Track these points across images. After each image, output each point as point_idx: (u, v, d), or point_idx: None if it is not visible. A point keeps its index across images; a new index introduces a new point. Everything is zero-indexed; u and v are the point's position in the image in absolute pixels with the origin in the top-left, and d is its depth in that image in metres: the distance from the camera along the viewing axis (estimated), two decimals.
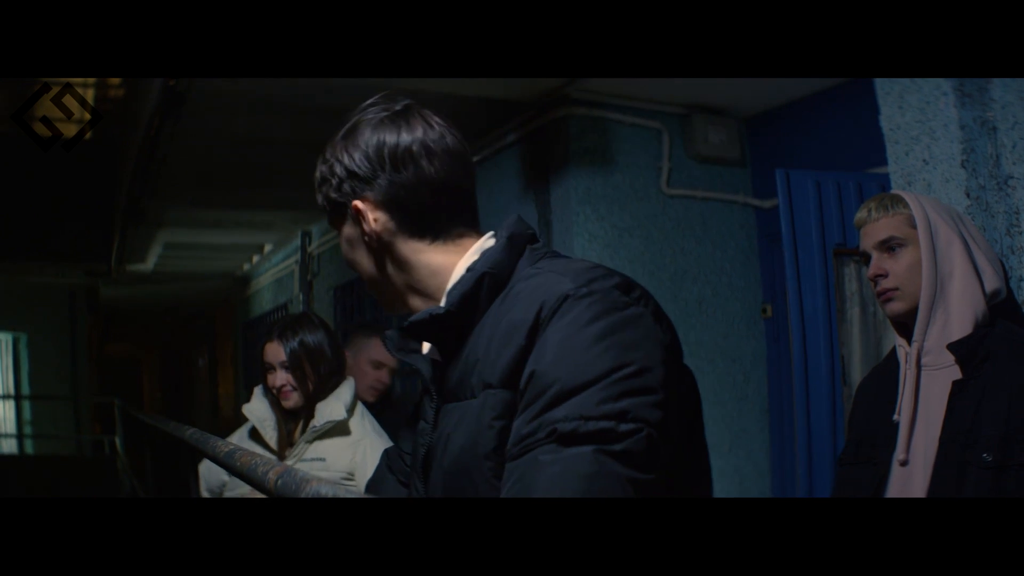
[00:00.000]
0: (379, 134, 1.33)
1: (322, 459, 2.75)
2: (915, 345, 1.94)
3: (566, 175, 4.46)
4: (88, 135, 10.60)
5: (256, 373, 3.03)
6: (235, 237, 9.15)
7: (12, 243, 9.69)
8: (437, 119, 1.37)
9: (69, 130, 9.15)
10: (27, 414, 12.58)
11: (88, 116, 9.06)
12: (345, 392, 2.86)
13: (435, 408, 1.33)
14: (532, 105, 4.66)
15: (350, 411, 2.84)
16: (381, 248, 1.36)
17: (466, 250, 1.36)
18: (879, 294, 2.03)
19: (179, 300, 14.08)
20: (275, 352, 2.83)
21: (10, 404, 12.69)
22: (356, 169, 1.33)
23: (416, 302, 1.37)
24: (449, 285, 1.32)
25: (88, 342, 13.25)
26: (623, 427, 1.06)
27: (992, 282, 1.93)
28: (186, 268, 10.63)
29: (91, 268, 10.56)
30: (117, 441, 10.98)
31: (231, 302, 12.73)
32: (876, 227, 2.03)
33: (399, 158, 1.32)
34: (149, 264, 9.96)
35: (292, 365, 2.80)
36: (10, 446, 12.49)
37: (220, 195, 7.08)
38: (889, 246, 2.00)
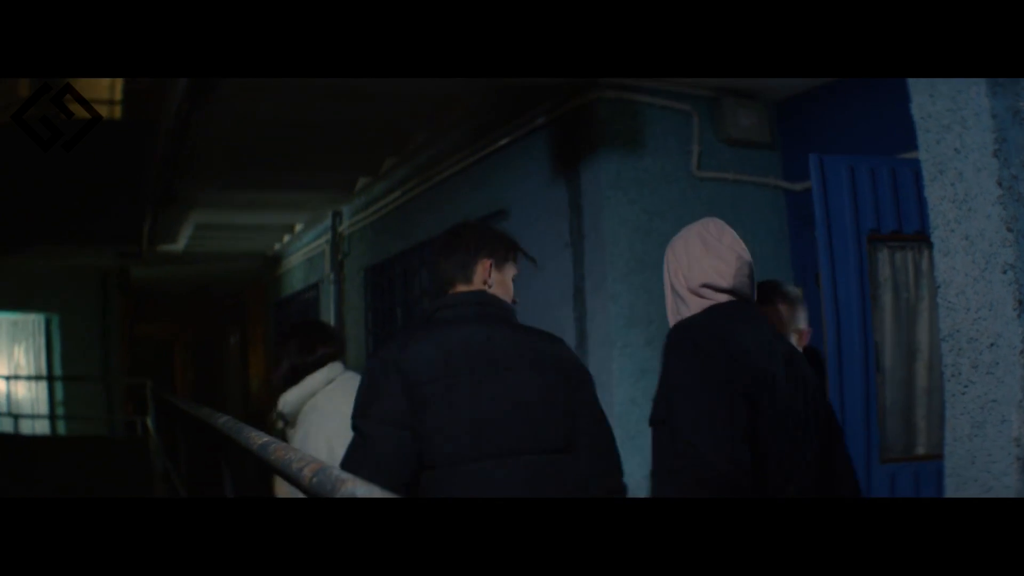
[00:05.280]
0: None
1: None
2: None
3: (596, 158, 4.44)
4: (118, 116, 10.66)
5: None
6: (266, 217, 9.18)
7: (44, 225, 9.76)
8: None
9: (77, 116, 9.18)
10: (59, 395, 12.71)
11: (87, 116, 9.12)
12: None
13: None
14: (562, 88, 4.65)
15: None
16: None
17: None
18: None
19: (210, 280, 14.15)
20: None
21: (42, 385, 12.82)
22: None
23: None
24: None
25: (120, 323, 13.36)
26: None
27: None
28: (217, 248, 10.67)
29: (123, 249, 10.60)
30: (149, 422, 11.06)
31: (262, 282, 12.78)
32: None
33: None
34: (180, 245, 10.01)
35: None
36: (43, 427, 12.63)
37: (251, 176, 7.10)
38: None
